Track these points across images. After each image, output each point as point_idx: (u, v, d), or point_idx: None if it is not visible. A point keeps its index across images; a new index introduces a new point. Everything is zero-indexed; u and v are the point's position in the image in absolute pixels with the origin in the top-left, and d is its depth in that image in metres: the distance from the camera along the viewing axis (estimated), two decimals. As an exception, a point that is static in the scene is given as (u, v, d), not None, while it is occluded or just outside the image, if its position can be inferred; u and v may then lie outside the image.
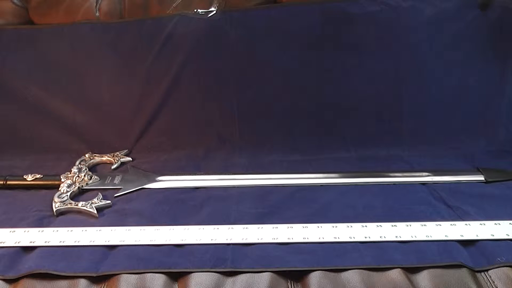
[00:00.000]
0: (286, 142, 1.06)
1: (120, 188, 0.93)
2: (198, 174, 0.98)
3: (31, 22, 1.10)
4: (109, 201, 0.88)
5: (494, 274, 0.68)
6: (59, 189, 0.92)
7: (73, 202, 0.88)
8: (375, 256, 0.71)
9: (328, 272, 0.68)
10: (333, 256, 0.71)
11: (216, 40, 1.03)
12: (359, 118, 1.05)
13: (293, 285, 0.69)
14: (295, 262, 0.70)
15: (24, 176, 0.96)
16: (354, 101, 1.05)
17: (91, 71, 1.07)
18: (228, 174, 0.97)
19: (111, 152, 1.06)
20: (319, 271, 0.69)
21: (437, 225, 0.77)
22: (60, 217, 0.86)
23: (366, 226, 0.78)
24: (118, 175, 0.97)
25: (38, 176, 0.96)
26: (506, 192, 0.88)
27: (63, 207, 0.87)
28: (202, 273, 0.69)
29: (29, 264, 0.72)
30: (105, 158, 1.05)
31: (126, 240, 0.76)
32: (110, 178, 0.97)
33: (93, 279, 0.70)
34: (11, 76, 1.07)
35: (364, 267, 0.69)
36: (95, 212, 0.85)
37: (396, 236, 0.75)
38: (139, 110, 1.07)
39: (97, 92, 1.08)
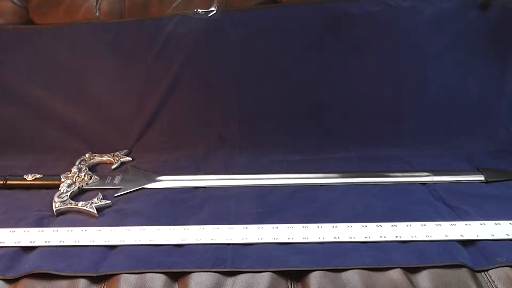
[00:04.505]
0: (286, 142, 1.06)
1: (120, 188, 0.93)
2: (198, 174, 0.98)
3: (31, 22, 1.10)
4: (109, 201, 0.88)
5: (494, 274, 0.68)
6: (59, 189, 0.92)
7: (73, 202, 0.88)
8: (375, 256, 0.71)
9: (328, 272, 0.68)
10: (333, 256, 0.71)
11: (216, 40, 1.03)
12: (359, 118, 1.05)
13: (293, 285, 0.69)
14: (295, 262, 0.70)
15: (24, 176, 0.96)
16: (354, 101, 1.05)
17: (91, 71, 1.06)
18: (228, 174, 0.97)
19: (111, 152, 1.06)
20: (319, 271, 0.69)
21: (437, 225, 0.77)
22: (60, 217, 0.86)
23: (366, 226, 0.78)
24: (118, 175, 0.97)
25: (38, 176, 0.96)
26: (506, 192, 0.88)
27: (63, 207, 0.87)
28: (202, 273, 0.69)
29: (29, 264, 0.72)
30: (105, 158, 1.05)
31: (126, 240, 0.76)
32: (110, 178, 0.97)
33: (93, 279, 0.70)
34: (11, 76, 1.07)
35: (364, 267, 0.69)
36: (95, 212, 0.85)
37: (396, 236, 0.75)
38: (139, 110, 1.08)
39: (97, 92, 1.08)
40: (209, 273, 0.69)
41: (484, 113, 1.05)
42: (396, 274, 0.67)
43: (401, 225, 0.77)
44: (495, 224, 0.77)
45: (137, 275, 0.69)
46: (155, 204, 0.88)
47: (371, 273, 0.68)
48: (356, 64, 1.03)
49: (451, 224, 0.77)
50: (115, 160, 1.04)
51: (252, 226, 0.79)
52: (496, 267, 0.69)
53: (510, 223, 0.77)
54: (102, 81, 1.07)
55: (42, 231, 0.80)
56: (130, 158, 1.05)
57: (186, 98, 1.07)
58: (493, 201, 0.85)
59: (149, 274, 0.69)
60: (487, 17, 1.00)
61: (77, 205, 0.87)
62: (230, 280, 0.68)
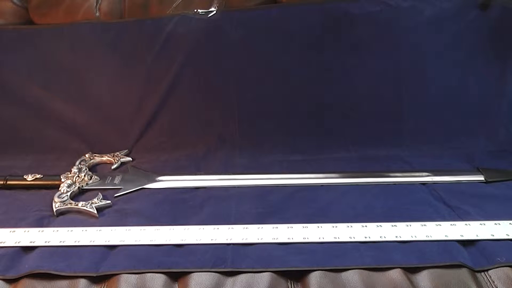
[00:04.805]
0: (286, 142, 1.06)
1: (120, 188, 0.93)
2: (198, 174, 0.98)
3: (31, 22, 1.10)
4: (109, 201, 0.88)
5: (494, 274, 0.68)
6: (59, 189, 0.92)
7: (73, 202, 0.88)
8: (375, 256, 0.71)
9: (328, 272, 0.68)
10: (333, 256, 0.71)
11: (216, 40, 1.03)
12: (359, 118, 1.05)
13: (293, 285, 0.69)
14: (295, 262, 0.70)
15: (24, 176, 0.96)
16: (354, 101, 1.05)
17: (91, 71, 1.06)
18: (228, 174, 0.97)
19: (111, 152, 1.06)
20: (319, 271, 0.69)
21: (437, 225, 0.77)
22: (60, 217, 0.86)
23: (366, 226, 0.78)
24: (118, 175, 0.97)
25: (38, 176, 0.96)
26: (506, 192, 0.88)
27: (63, 207, 0.87)
28: (202, 273, 0.69)
29: (29, 264, 0.72)
30: (105, 158, 1.05)
31: (126, 240, 0.76)
32: (110, 178, 0.97)
33: (93, 279, 0.70)
34: (11, 76, 1.07)
35: (364, 267, 0.69)
36: (95, 212, 0.85)
37: (396, 236, 0.75)
38: (139, 110, 1.08)
39: (97, 92, 1.08)
40: (209, 273, 0.69)
41: (484, 113, 1.05)
42: (396, 274, 0.67)
43: (401, 225, 0.77)
44: (495, 224, 0.77)
45: (137, 275, 0.69)
46: (155, 204, 0.88)
47: (371, 273, 0.68)
48: (356, 64, 1.03)
49: (451, 224, 0.77)
50: (115, 160, 1.04)
51: (252, 226, 0.79)
52: (496, 267, 0.69)
53: (510, 223, 0.77)
54: (102, 81, 1.07)
55: (42, 231, 0.80)
56: (130, 158, 1.05)
57: (186, 98, 1.07)
58: (493, 201, 0.85)
59: (149, 274, 0.69)
60: (487, 17, 1.00)
61: (77, 205, 0.87)
62: (230, 280, 0.68)
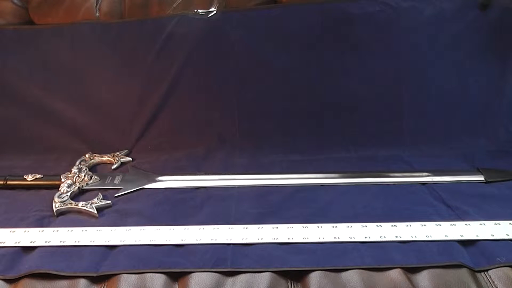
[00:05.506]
0: (286, 142, 1.06)
1: (120, 188, 0.93)
2: (198, 174, 0.98)
3: (31, 22, 1.10)
4: (109, 201, 0.88)
5: (494, 274, 0.68)
6: (59, 189, 0.92)
7: (73, 202, 0.88)
8: (375, 256, 0.71)
9: (328, 272, 0.68)
10: (333, 256, 0.71)
11: (216, 40, 1.03)
12: (359, 118, 1.05)
13: (293, 285, 0.69)
14: (295, 262, 0.70)
15: (24, 176, 0.96)
16: (354, 101, 1.05)
17: (91, 71, 1.07)
18: (228, 174, 0.97)
19: (111, 152, 1.06)
20: (319, 271, 0.69)
21: (437, 225, 0.77)
22: (60, 217, 0.86)
23: (366, 226, 0.78)
24: (118, 175, 0.97)
25: (38, 176, 0.96)
26: (506, 192, 0.88)
27: (63, 207, 0.87)
28: (202, 273, 0.69)
29: (29, 264, 0.72)
30: (105, 158, 1.05)
31: (126, 240, 0.76)
32: (110, 178, 0.97)
33: (93, 279, 0.70)
34: (11, 76, 1.07)
35: (364, 267, 0.69)
36: (95, 212, 0.85)
37: (396, 236, 0.75)
38: (139, 110, 1.08)
39: (97, 92, 1.08)
40: (209, 273, 0.69)
41: (484, 113, 1.05)
42: (396, 274, 0.67)
43: (401, 225, 0.77)
44: (495, 224, 0.77)
45: (137, 275, 0.69)
46: (155, 204, 0.88)
47: (371, 273, 0.68)
48: (356, 64, 1.03)
49: (451, 224, 0.77)
50: (115, 160, 1.04)
51: (252, 226, 0.79)
52: (496, 267, 0.69)
53: (510, 223, 0.77)
54: (102, 81, 1.07)
55: (42, 231, 0.80)
56: (130, 158, 1.05)
57: (186, 98, 1.07)
58: (493, 201, 0.85)
59: (149, 274, 0.69)
60: (487, 17, 1.00)
61: (77, 205, 0.87)
62: (230, 280, 0.68)
